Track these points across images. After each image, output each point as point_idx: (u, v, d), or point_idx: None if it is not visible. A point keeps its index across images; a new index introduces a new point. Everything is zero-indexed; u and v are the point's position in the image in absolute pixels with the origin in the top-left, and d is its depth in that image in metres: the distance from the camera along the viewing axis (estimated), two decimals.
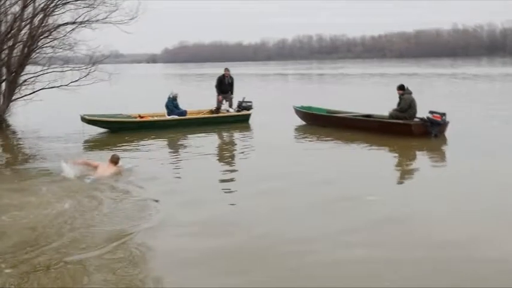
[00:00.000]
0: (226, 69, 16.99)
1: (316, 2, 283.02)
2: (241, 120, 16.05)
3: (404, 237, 5.80)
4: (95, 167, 8.90)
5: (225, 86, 16.67)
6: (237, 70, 68.74)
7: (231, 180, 8.98)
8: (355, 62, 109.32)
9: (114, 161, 9.02)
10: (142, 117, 15.32)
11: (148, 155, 11.09)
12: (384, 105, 13.41)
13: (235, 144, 13.19)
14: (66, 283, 4.80)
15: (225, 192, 8.07)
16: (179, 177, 9.16)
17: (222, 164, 10.63)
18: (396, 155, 11.19)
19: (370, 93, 25.81)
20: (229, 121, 15.91)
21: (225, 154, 12.02)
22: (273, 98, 24.86)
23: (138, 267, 5.13)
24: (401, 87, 13.07)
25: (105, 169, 8.79)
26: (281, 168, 9.41)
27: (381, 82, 37.06)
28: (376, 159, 10.45)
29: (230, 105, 16.60)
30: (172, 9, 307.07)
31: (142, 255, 5.39)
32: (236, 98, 16.73)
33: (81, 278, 4.92)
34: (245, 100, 16.44)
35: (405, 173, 9.54)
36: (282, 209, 6.89)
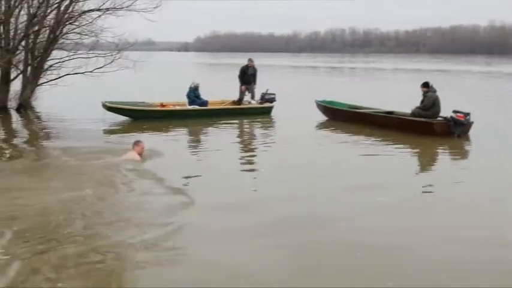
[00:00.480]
0: (250, 60, 16.79)
1: None
2: (263, 113, 15.87)
3: (412, 240, 5.61)
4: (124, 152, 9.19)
5: (248, 77, 16.49)
6: (267, 61, 68.91)
7: (248, 170, 8.97)
8: (388, 57, 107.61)
9: (138, 145, 9.18)
10: (164, 105, 15.29)
11: (167, 145, 11.04)
12: (410, 102, 13.01)
13: (254, 137, 13.09)
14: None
15: (245, 180, 8.17)
16: (196, 167, 9.06)
17: (238, 155, 10.47)
18: (415, 154, 10.82)
19: (400, 89, 25.28)
20: (251, 113, 15.77)
21: (242, 146, 11.90)
22: (300, 90, 24.56)
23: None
24: (425, 85, 12.71)
25: (130, 153, 9.03)
26: (295, 162, 9.31)
27: (412, 78, 36.10)
28: (393, 158, 10.13)
29: (252, 97, 16.45)
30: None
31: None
32: (259, 89, 16.54)
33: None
34: (268, 92, 16.26)
35: (422, 174, 9.25)
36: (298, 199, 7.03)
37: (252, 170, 9.05)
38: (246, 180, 8.31)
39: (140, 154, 9.08)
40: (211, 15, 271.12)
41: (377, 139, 11.78)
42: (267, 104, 16.07)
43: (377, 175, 8.51)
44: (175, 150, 10.47)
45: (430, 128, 11.91)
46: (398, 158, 10.21)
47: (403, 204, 6.94)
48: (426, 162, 10.20)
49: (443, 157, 10.71)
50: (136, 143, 9.27)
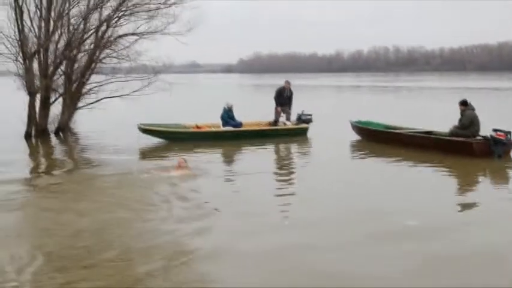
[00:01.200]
0: (287, 82, 16.54)
1: (393, 13, 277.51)
2: (298, 134, 15.62)
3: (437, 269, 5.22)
4: (166, 170, 9.79)
5: (283, 99, 16.27)
6: (309, 82, 68.91)
7: (283, 195, 8.68)
8: (433, 75, 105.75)
9: (180, 164, 9.85)
10: (199, 127, 15.30)
11: (200, 166, 10.87)
12: (450, 120, 12.47)
13: (286, 160, 12.82)
14: None
15: (279, 205, 7.93)
16: (231, 189, 9.04)
17: (271, 177, 10.17)
18: (452, 176, 10.27)
19: (443, 107, 24.46)
20: (286, 134, 15.54)
21: (276, 168, 11.59)
22: (339, 110, 24.25)
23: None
24: (463, 103, 12.20)
25: (173, 171, 9.62)
26: (325, 186, 9.02)
27: (458, 96, 35.22)
28: (428, 180, 9.66)
29: (288, 119, 16.19)
30: (247, 21, 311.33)
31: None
32: (296, 109, 16.32)
33: None
34: (304, 113, 16.01)
35: (458, 197, 8.71)
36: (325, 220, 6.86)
37: (281, 195, 8.71)
38: (275, 203, 8.04)
39: (182, 172, 9.57)
40: (254, 36, 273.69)
41: (413, 160, 11.32)
42: (302, 125, 15.82)
43: (409, 198, 8.12)
44: (209, 171, 10.31)
45: (469, 148, 11.37)
46: (433, 180, 9.70)
47: (432, 228, 6.54)
48: (463, 185, 9.65)
49: (482, 179, 10.12)
50: (179, 161, 9.92)
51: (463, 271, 5.27)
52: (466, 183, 9.76)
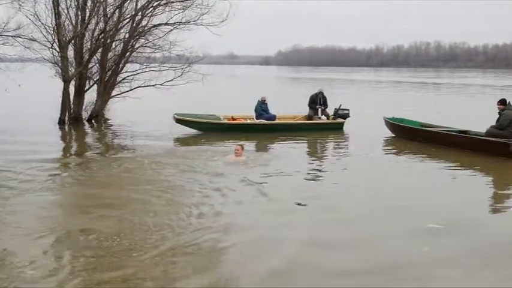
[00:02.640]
0: (320, 92, 16.24)
1: (436, 8, 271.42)
2: (334, 129, 15.34)
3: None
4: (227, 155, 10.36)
5: (316, 105, 16.12)
6: (348, 76, 68.05)
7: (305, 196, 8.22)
8: (476, 72, 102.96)
9: (238, 149, 10.22)
10: (234, 119, 15.30)
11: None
12: (488, 120, 11.96)
13: (317, 156, 12.43)
14: None
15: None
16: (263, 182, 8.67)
17: (302, 172, 9.74)
18: (485, 177, 9.79)
19: (484, 106, 23.74)
20: (321, 128, 15.32)
21: (305, 164, 11.08)
22: (377, 105, 23.69)
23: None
24: (502, 102, 11.66)
25: (231, 157, 10.14)
26: (355, 184, 8.76)
27: (500, 95, 34.11)
28: (458, 181, 9.21)
29: (327, 117, 15.92)
30: (288, 13, 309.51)
31: None
32: (334, 104, 16.10)
33: None
34: (341, 108, 15.74)
35: (489, 202, 8.19)
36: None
37: (307, 195, 8.39)
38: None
39: (239, 158, 10.03)
40: (294, 28, 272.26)
41: (445, 160, 10.88)
42: (337, 120, 15.54)
43: (437, 200, 7.77)
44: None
45: (506, 149, 10.81)
46: (464, 181, 9.25)
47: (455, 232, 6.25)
48: (494, 188, 9.13)
49: None
50: (238, 147, 10.31)
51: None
52: (498, 186, 9.24)
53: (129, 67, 17.81)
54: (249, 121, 15.27)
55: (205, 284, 4.70)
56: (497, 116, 11.60)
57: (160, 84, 17.11)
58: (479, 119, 14.23)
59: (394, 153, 12.34)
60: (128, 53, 16.98)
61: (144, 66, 17.65)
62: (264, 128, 14.82)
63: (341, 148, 13.23)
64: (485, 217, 7.15)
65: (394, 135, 14.25)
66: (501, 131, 11.26)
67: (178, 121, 14.52)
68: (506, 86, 45.29)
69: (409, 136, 13.56)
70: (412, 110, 19.74)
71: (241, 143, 11.43)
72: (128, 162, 10.13)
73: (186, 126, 14.64)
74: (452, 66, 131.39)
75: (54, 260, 5.15)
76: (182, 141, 13.55)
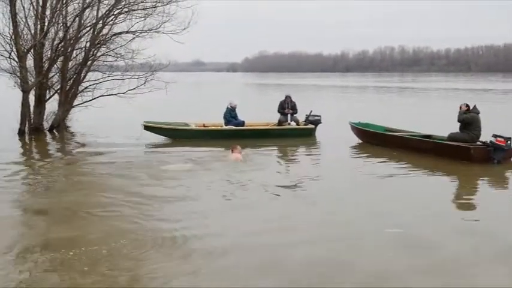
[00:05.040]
0: (288, 97, 16.23)
1: (399, 13, 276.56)
2: (303, 135, 15.32)
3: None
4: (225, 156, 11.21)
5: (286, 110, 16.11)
6: (314, 81, 68.58)
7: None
8: (438, 75, 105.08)
9: (236, 149, 11.14)
10: (206, 126, 15.31)
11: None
12: (455, 123, 12.11)
13: (280, 161, 12.32)
14: None
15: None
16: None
17: (264, 177, 9.58)
18: (447, 182, 9.83)
19: (448, 110, 24.20)
20: (290, 134, 15.31)
21: (272, 168, 10.95)
22: (344, 111, 23.88)
23: None
24: (466, 104, 11.83)
25: (231, 156, 10.96)
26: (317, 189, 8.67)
27: (463, 99, 34.73)
28: (418, 186, 9.29)
29: (297, 123, 15.85)
30: (253, 21, 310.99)
31: None
32: (304, 109, 16.08)
33: None
34: (312, 114, 15.71)
35: (450, 204, 8.27)
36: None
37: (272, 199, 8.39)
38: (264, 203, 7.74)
39: (237, 156, 10.84)
40: (259, 36, 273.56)
41: (409, 165, 10.97)
42: (307, 126, 15.51)
43: (397, 204, 7.82)
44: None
45: (467, 154, 11.00)
46: (427, 186, 9.33)
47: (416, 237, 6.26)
48: (456, 192, 9.21)
49: (478, 187, 9.61)
50: (235, 146, 11.16)
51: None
52: (458, 190, 9.34)
53: (91, 76, 17.47)
54: (212, 128, 15.20)
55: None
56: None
57: (123, 93, 16.87)
58: (444, 123, 14.45)
59: (356, 158, 12.38)
60: (89, 62, 16.67)
61: (107, 75, 17.36)
62: (234, 134, 14.76)
63: (308, 155, 13.18)
64: (442, 224, 7.00)
65: (360, 141, 14.34)
66: (462, 135, 11.41)
67: (147, 128, 14.49)
68: (467, 90, 46.29)
69: (374, 141, 13.66)
70: (376, 114, 19.91)
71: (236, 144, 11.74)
72: (89, 170, 10.04)
73: (155, 133, 14.63)
74: (416, 70, 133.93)
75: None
76: (150, 148, 13.56)
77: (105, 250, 5.62)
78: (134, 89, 16.84)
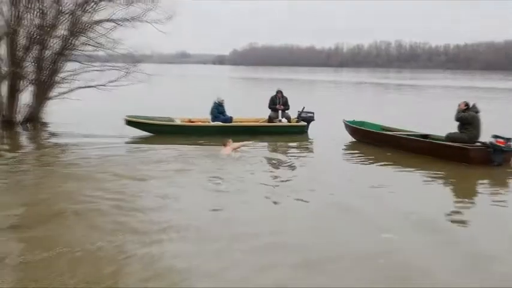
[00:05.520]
0: (279, 92, 16.24)
1: (398, 6, 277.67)
2: (295, 132, 15.35)
3: None
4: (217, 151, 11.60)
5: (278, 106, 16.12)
6: (306, 76, 68.58)
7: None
8: (437, 73, 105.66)
9: (229, 143, 11.66)
10: (192, 122, 15.31)
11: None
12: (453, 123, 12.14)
13: (267, 161, 12.18)
14: None
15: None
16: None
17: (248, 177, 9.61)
18: (443, 185, 9.81)
19: (447, 108, 24.33)
20: (282, 132, 15.36)
21: (258, 168, 11.01)
22: (337, 108, 23.97)
23: None
24: (465, 103, 11.88)
25: (224, 150, 11.46)
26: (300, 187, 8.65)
27: (462, 96, 34.92)
28: (413, 188, 9.30)
29: (289, 121, 15.86)
30: (243, 11, 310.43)
31: None
32: (296, 106, 16.08)
33: None
34: (305, 110, 15.72)
35: (447, 209, 8.14)
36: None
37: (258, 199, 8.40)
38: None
39: (229, 149, 11.37)
40: (250, 27, 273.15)
41: (403, 166, 10.99)
42: (299, 123, 15.54)
43: (392, 207, 7.84)
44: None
45: (465, 155, 11.06)
46: (419, 188, 9.33)
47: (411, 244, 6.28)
48: (453, 196, 9.22)
49: (476, 190, 9.65)
50: (227, 141, 11.68)
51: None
52: (452, 196, 9.30)
53: (68, 66, 17.29)
54: (199, 124, 15.20)
55: None
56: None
57: (103, 85, 16.72)
58: (443, 123, 14.50)
59: (350, 159, 12.39)
60: (67, 51, 16.49)
61: (86, 66, 17.18)
62: (221, 130, 14.76)
63: (298, 154, 13.03)
64: (430, 234, 6.91)
65: (354, 140, 14.39)
66: (461, 135, 11.45)
67: (129, 123, 14.47)
68: (467, 88, 46.59)
69: (369, 140, 13.71)
70: (371, 112, 19.99)
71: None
72: (64, 167, 9.96)
73: (138, 128, 14.63)
74: (413, 66, 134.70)
75: None
76: (132, 144, 13.52)
77: (80, 253, 5.58)
78: (115, 81, 16.71)
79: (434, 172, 10.45)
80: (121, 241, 5.98)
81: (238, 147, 11.67)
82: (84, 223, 6.66)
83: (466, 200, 8.97)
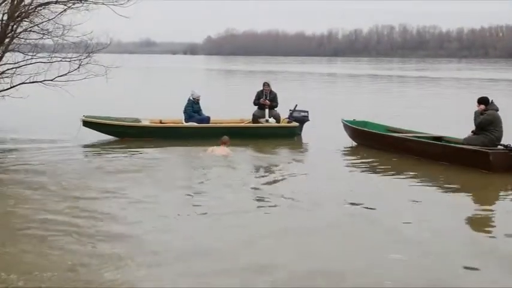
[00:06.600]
0: (266, 84, 16.22)
1: None
2: (285, 135, 15.32)
3: None
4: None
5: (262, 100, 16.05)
6: (295, 68, 68.89)
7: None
8: (450, 62, 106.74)
9: (224, 142, 12.43)
10: (163, 123, 15.46)
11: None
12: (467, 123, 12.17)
13: (254, 167, 12.17)
14: None
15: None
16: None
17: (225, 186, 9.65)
18: (461, 198, 9.68)
19: (465, 105, 24.47)
20: (270, 134, 15.30)
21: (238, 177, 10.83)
22: (333, 105, 24.06)
23: None
24: (483, 101, 11.84)
25: (216, 149, 12.19)
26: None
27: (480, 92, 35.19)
28: (422, 204, 9.04)
29: (278, 121, 15.76)
30: None
31: None
32: (286, 104, 16.19)
33: None
34: (298, 109, 15.72)
35: (461, 227, 8.08)
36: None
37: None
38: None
39: (225, 149, 12.17)
40: (227, 9, 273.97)
41: (411, 175, 10.96)
42: (292, 124, 15.46)
43: (398, 226, 7.78)
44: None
45: (485, 160, 11.00)
46: (428, 204, 9.04)
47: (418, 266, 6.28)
48: (466, 214, 8.74)
49: (498, 203, 9.56)
50: (224, 139, 12.42)
51: None
52: (469, 210, 8.99)
53: (9, 58, 17.08)
54: (171, 125, 15.31)
55: None
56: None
57: (51, 80, 16.50)
58: (459, 122, 14.60)
59: (350, 166, 12.41)
60: (7, 40, 16.28)
61: (30, 57, 17.00)
62: (196, 133, 14.83)
63: (288, 163, 12.74)
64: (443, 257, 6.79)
65: (354, 141, 14.43)
66: (481, 137, 11.43)
67: (87, 124, 14.59)
68: (485, 80, 47.03)
69: (373, 143, 13.76)
70: (377, 110, 20.09)
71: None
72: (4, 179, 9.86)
73: (97, 130, 14.80)
74: (421, 55, 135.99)
75: None
76: (88, 149, 13.68)
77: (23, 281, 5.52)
78: (65, 74, 16.45)
79: (448, 183, 10.43)
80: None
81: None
82: (27, 245, 6.56)
83: (485, 215, 8.83)
